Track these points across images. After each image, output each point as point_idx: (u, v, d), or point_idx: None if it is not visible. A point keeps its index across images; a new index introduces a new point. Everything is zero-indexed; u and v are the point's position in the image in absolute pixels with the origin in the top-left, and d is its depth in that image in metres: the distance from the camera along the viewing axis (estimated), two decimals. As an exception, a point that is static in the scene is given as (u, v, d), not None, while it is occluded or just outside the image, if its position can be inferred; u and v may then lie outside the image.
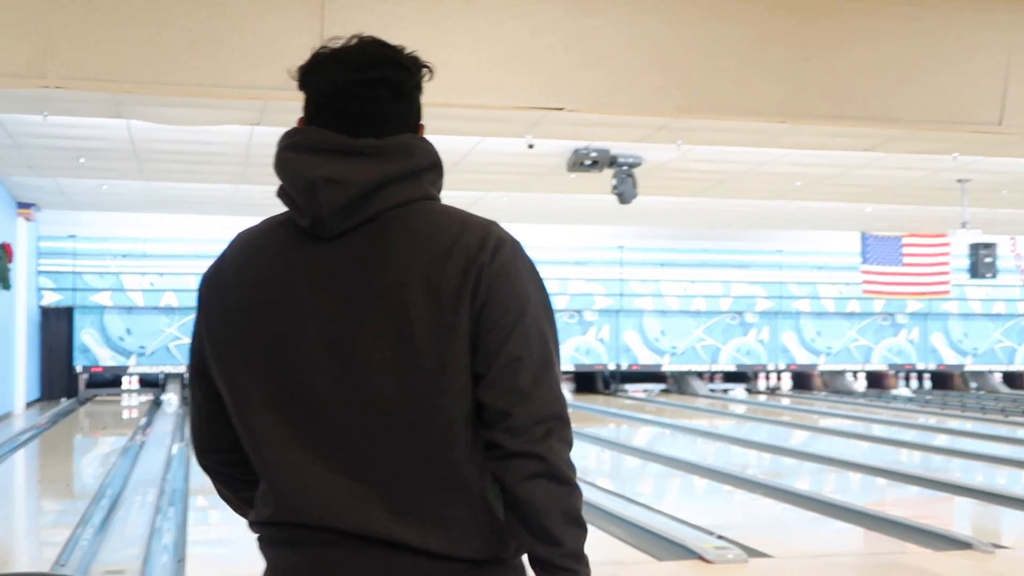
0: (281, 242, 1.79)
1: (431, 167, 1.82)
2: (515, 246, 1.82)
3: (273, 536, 1.79)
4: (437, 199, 1.83)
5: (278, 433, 1.75)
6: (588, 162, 12.27)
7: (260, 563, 1.86)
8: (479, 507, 1.75)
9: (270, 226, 1.83)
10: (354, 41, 1.83)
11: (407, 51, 1.85)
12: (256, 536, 1.84)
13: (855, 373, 23.96)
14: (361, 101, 1.79)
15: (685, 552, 6.64)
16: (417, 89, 1.86)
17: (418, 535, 1.69)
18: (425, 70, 1.87)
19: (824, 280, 23.21)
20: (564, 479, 1.72)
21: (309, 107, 1.84)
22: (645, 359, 22.78)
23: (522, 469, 1.69)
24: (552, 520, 1.70)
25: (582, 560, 1.74)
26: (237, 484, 1.96)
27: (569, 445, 1.76)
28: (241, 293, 1.80)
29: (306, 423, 1.73)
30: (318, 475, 1.71)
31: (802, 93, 5.77)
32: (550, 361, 1.76)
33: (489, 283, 1.73)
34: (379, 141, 1.77)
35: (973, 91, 5.98)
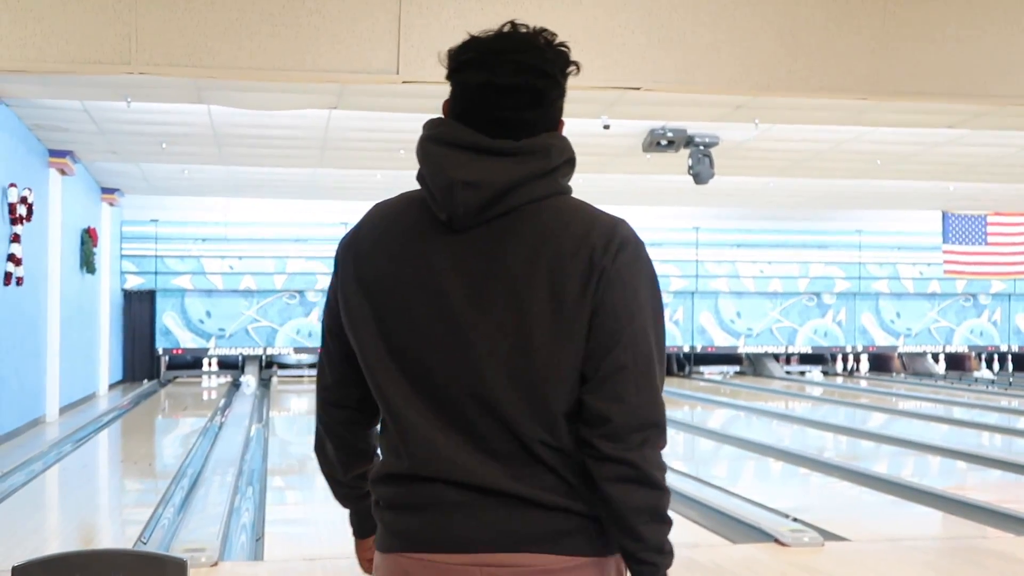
0: (416, 222, 1.86)
1: (565, 163, 1.88)
2: (638, 248, 1.85)
3: (397, 498, 1.87)
4: (569, 191, 1.89)
5: (408, 400, 1.84)
6: (664, 142, 12.20)
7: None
8: (578, 477, 1.83)
9: (407, 202, 1.91)
10: (507, 29, 1.87)
11: (558, 49, 1.87)
12: (374, 499, 1.92)
13: (935, 355, 23.58)
14: (504, 109, 1.84)
15: (760, 535, 6.61)
16: (561, 97, 1.91)
17: (531, 491, 1.79)
18: (572, 68, 1.90)
19: (904, 260, 22.87)
20: (655, 484, 1.82)
21: (455, 102, 1.89)
22: (720, 341, 22.64)
23: (616, 472, 1.78)
24: (638, 519, 1.80)
25: (663, 551, 1.84)
26: (347, 446, 2.04)
27: (662, 448, 1.84)
28: (376, 265, 1.87)
29: (430, 396, 1.83)
30: (445, 440, 1.81)
31: (886, 69, 5.67)
32: (652, 370, 1.82)
33: (605, 287, 1.79)
34: (517, 142, 1.82)
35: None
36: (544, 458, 1.80)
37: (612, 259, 1.79)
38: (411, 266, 1.84)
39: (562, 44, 1.88)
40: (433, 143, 1.85)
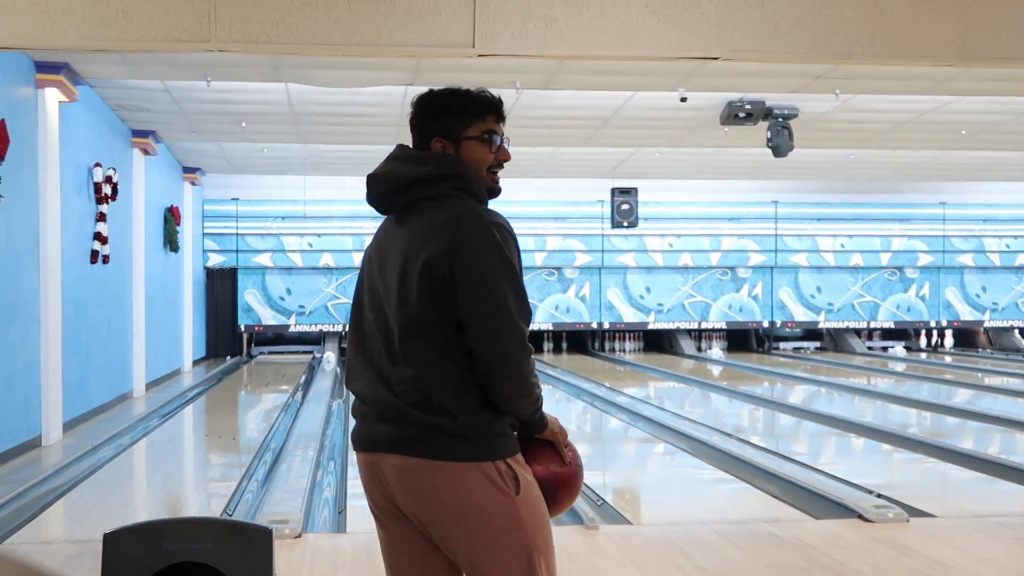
0: (383, 224, 2.80)
1: (453, 175, 2.65)
2: (476, 219, 2.57)
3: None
4: (457, 197, 2.65)
5: None
6: (742, 114, 12.05)
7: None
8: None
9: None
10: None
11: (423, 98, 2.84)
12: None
13: (1022, 330, 23.06)
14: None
15: (844, 511, 6.52)
16: (439, 118, 2.76)
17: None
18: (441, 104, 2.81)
19: (990, 233, 22.38)
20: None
21: None
22: (800, 316, 22.37)
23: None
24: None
25: None
26: None
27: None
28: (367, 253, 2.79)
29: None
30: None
31: (974, 33, 5.52)
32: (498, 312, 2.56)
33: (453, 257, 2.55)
34: (416, 151, 2.75)
35: None
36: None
37: (459, 235, 2.55)
38: (375, 249, 2.75)
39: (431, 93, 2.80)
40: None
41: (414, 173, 2.63)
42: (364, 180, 2.73)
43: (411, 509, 2.57)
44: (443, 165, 2.65)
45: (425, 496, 2.52)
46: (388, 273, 2.60)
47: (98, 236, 11.86)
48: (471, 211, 2.56)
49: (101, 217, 11.94)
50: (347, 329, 2.82)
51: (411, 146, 2.77)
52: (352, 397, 2.76)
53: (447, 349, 2.52)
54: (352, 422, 2.76)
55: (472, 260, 2.49)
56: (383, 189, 2.67)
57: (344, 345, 20.99)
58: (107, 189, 12.02)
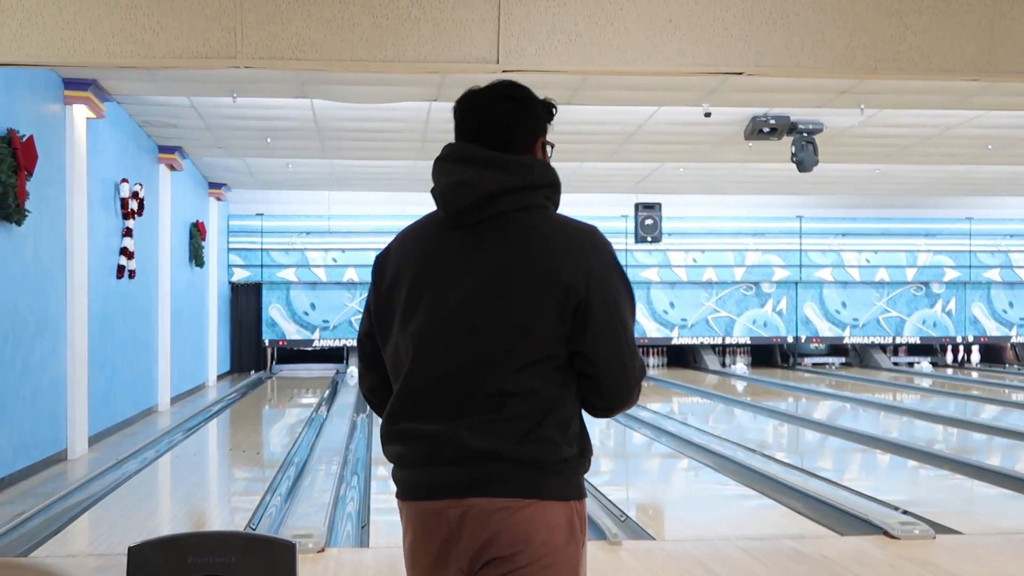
0: (435, 228, 2.37)
1: (548, 186, 2.36)
2: (602, 241, 2.37)
3: None
4: (551, 208, 2.37)
5: None
6: (767, 129, 12.03)
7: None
8: None
9: (426, 220, 2.42)
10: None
11: (524, 86, 2.44)
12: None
13: (1051, 346, 22.88)
14: (488, 112, 2.39)
15: (869, 527, 6.48)
16: (536, 122, 2.41)
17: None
18: (544, 107, 2.44)
19: (1016, 248, 22.23)
20: None
21: (455, 125, 2.43)
22: (825, 331, 22.27)
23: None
24: None
25: None
26: None
27: None
28: (400, 266, 2.38)
29: None
30: None
31: (999, 47, 5.49)
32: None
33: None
34: (505, 156, 2.32)
35: None
36: None
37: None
38: (426, 263, 2.35)
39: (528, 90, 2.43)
40: (444, 161, 2.36)
41: (512, 182, 2.29)
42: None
43: (485, 556, 2.27)
44: (544, 174, 2.36)
45: (510, 539, 2.24)
46: (472, 295, 2.27)
47: (124, 251, 11.94)
48: (590, 230, 2.33)
49: (127, 232, 12.02)
50: (374, 365, 2.49)
51: (467, 142, 2.39)
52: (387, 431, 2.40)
53: (561, 377, 2.29)
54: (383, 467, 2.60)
55: (609, 289, 2.27)
56: (474, 199, 2.28)
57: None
58: (133, 204, 12.11)
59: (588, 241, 2.29)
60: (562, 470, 2.27)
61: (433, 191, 2.36)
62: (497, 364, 2.23)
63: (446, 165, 2.34)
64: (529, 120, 2.37)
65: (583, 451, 2.32)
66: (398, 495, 2.38)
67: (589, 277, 2.24)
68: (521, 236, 2.27)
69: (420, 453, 2.29)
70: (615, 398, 2.33)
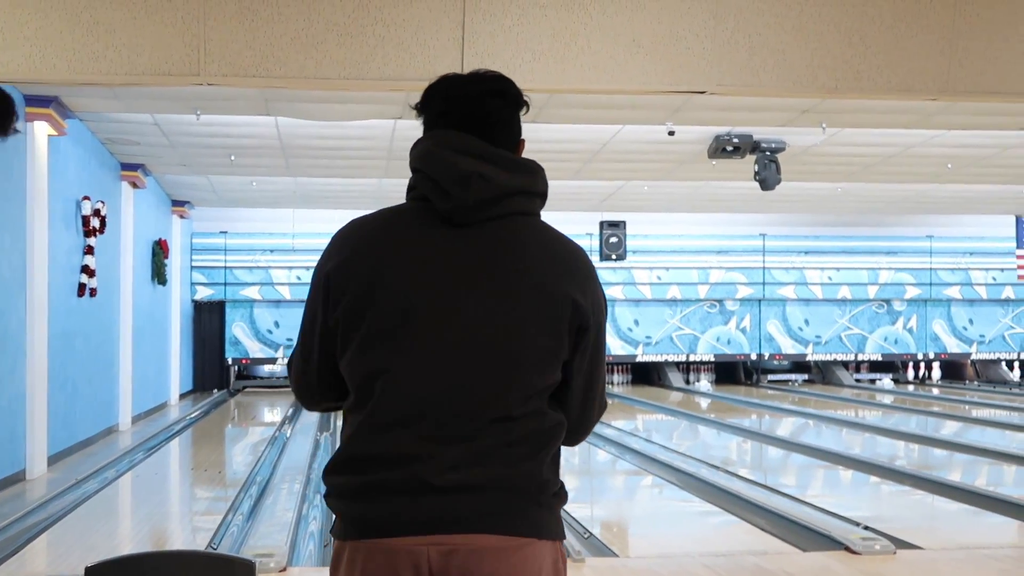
0: (416, 222, 2.10)
1: (543, 194, 2.16)
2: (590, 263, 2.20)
3: None
4: (538, 216, 2.18)
5: None
6: (730, 148, 12.11)
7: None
8: None
9: (396, 215, 2.15)
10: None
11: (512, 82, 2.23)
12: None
13: (1010, 362, 23.12)
14: (487, 106, 2.14)
15: (831, 543, 6.52)
16: (518, 119, 2.20)
17: None
18: (525, 105, 2.22)
19: (976, 266, 22.47)
20: None
21: (446, 116, 2.14)
22: (788, 349, 22.41)
23: None
24: None
25: None
26: None
27: None
28: (377, 266, 2.09)
29: None
30: None
31: (957, 68, 5.57)
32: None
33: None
34: (514, 156, 2.13)
35: None
36: None
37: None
38: (414, 265, 2.07)
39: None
40: (446, 149, 2.08)
41: (520, 184, 2.10)
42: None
43: None
44: (545, 181, 2.17)
45: None
46: (483, 305, 2.03)
47: (85, 269, 11.83)
48: (580, 249, 2.17)
49: (89, 250, 11.92)
50: (323, 394, 2.18)
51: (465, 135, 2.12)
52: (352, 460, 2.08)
53: (554, 403, 2.11)
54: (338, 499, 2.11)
55: (601, 315, 2.13)
56: (491, 196, 2.06)
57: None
58: (95, 222, 12.01)
59: (590, 265, 2.15)
60: (554, 505, 2.08)
61: (423, 179, 2.09)
62: (507, 386, 2.00)
63: (450, 155, 2.07)
64: (518, 117, 2.19)
65: (562, 484, 2.13)
66: (347, 534, 2.05)
67: (595, 305, 2.10)
68: (529, 244, 2.08)
69: (392, 481, 2.00)
70: (582, 427, 2.18)
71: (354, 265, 2.11)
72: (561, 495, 2.10)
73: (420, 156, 2.11)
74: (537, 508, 2.02)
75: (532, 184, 2.12)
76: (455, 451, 1.98)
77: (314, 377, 2.15)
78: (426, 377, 2.01)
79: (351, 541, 2.02)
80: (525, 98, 2.19)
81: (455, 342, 2.01)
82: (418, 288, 2.03)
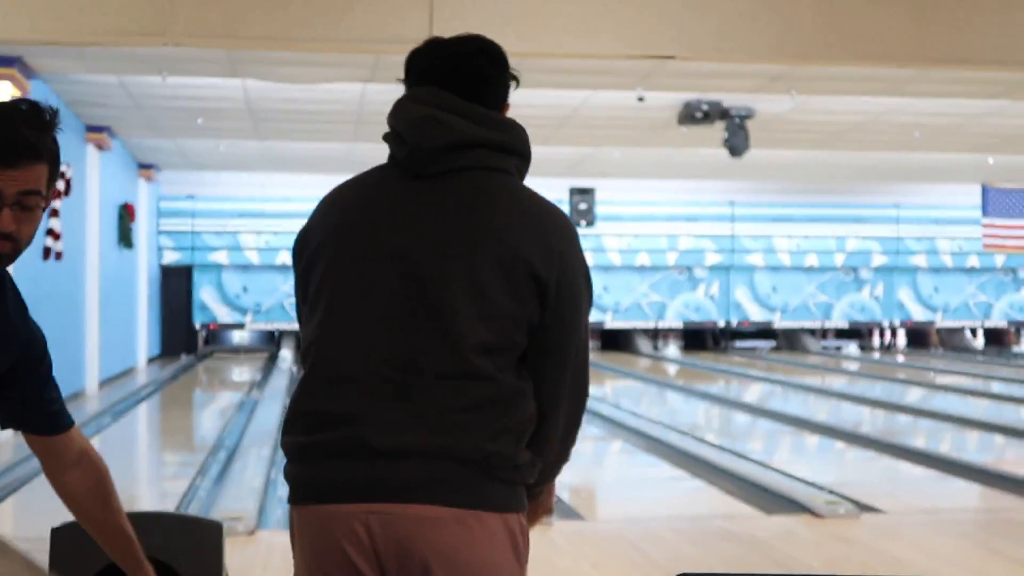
0: (379, 178, 2.05)
1: (521, 156, 2.05)
2: (571, 225, 2.11)
3: None
4: (516, 177, 2.06)
5: None
6: (699, 115, 12.11)
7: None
8: None
9: (362, 175, 2.10)
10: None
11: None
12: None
13: (974, 330, 23.38)
14: (464, 61, 2.05)
15: (796, 507, 6.59)
16: (506, 84, 2.09)
17: None
18: (514, 75, 2.12)
19: (942, 235, 22.65)
20: None
21: (424, 73, 2.07)
22: (756, 316, 22.53)
23: None
24: None
25: None
26: None
27: None
28: (334, 221, 2.03)
29: None
30: None
31: (927, 36, 5.58)
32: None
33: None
34: (487, 111, 2.02)
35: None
36: None
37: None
38: (376, 210, 2.00)
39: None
40: (411, 100, 2.03)
41: (489, 136, 1.99)
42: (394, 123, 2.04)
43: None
44: (522, 139, 2.06)
45: (441, 557, 1.85)
46: (435, 260, 1.92)
47: (51, 232, 11.72)
48: (559, 211, 2.06)
49: (54, 213, 11.79)
50: (307, 327, 2.03)
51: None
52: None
53: (519, 370, 1.96)
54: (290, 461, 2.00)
55: (575, 279, 2.00)
56: (447, 141, 1.96)
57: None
58: (60, 184, 11.89)
59: (565, 222, 2.04)
60: (511, 478, 1.92)
61: (389, 133, 2.03)
62: (456, 342, 1.87)
63: (413, 105, 2.00)
64: (504, 79, 2.07)
65: (530, 458, 1.96)
66: (292, 499, 1.96)
67: (562, 261, 1.96)
68: (496, 199, 1.97)
69: (332, 442, 1.88)
70: (561, 398, 2.02)
71: (315, 226, 2.06)
72: (524, 469, 1.94)
73: (391, 111, 2.05)
74: (489, 480, 1.87)
75: (501, 139, 2.00)
76: (397, 410, 1.86)
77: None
78: (365, 329, 1.91)
79: (295, 506, 1.95)
80: (514, 72, 2.09)
81: (396, 291, 1.91)
82: (368, 238, 1.96)
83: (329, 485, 1.88)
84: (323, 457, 1.89)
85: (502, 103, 2.07)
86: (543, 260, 1.94)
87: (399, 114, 2.02)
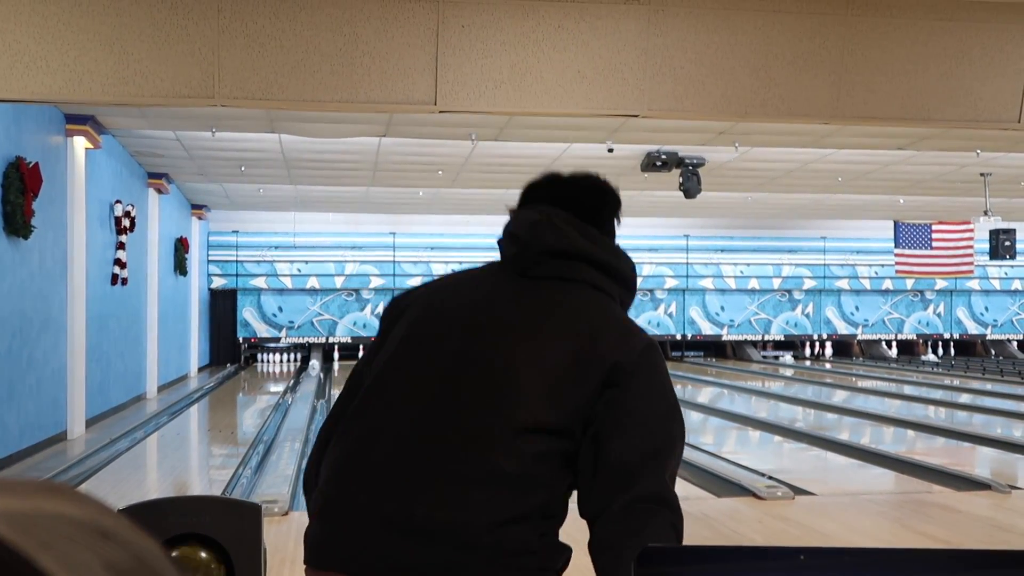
0: (485, 270, 1.75)
1: (622, 279, 1.71)
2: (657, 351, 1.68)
3: None
4: (614, 299, 1.69)
5: None
6: (659, 163, 12.14)
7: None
8: None
9: (476, 267, 1.79)
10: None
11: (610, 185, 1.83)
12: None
13: (889, 342, 23.40)
14: (574, 191, 1.76)
15: (740, 490, 6.58)
16: (612, 219, 1.79)
17: None
18: (618, 211, 1.80)
19: (862, 262, 22.71)
20: None
21: (531, 200, 1.76)
22: (707, 330, 22.54)
23: None
24: None
25: None
26: None
27: None
28: (438, 292, 1.73)
29: None
30: None
31: (845, 96, 5.63)
32: None
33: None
34: (598, 233, 1.70)
35: (995, 93, 5.77)
36: None
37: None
38: (475, 300, 1.67)
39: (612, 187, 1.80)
40: (529, 209, 1.72)
41: (597, 254, 1.67)
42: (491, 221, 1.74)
43: None
44: (631, 269, 1.73)
45: None
46: (510, 343, 1.55)
47: (118, 262, 11.70)
48: (654, 343, 1.64)
49: (121, 246, 11.78)
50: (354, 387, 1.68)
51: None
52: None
53: (568, 462, 1.54)
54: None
55: (638, 370, 1.55)
56: (553, 247, 1.64)
57: (336, 356, 20.84)
58: (126, 222, 11.88)
59: (647, 343, 1.61)
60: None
61: (504, 234, 1.70)
62: (510, 424, 1.49)
63: (530, 212, 1.70)
64: (615, 214, 1.77)
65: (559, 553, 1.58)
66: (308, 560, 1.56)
67: (637, 363, 1.56)
68: (580, 309, 1.61)
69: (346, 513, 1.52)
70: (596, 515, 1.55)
71: (411, 293, 1.75)
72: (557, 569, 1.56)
73: (508, 221, 1.73)
74: (514, 572, 1.49)
75: (610, 260, 1.67)
76: (427, 493, 1.47)
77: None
78: (404, 405, 1.55)
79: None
80: (620, 215, 1.78)
81: (435, 372, 1.55)
82: (449, 312, 1.63)
83: (313, 549, 1.58)
84: (344, 529, 1.55)
85: (611, 235, 1.75)
86: (616, 354, 1.55)
87: (516, 219, 1.70)
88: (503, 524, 1.47)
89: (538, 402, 1.50)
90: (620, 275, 1.69)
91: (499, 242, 1.71)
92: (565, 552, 1.58)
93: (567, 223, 1.66)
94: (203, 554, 1.90)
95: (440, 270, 20.71)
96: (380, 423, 1.54)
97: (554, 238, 1.64)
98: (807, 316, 22.93)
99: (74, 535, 0.35)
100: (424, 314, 1.65)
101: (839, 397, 14.68)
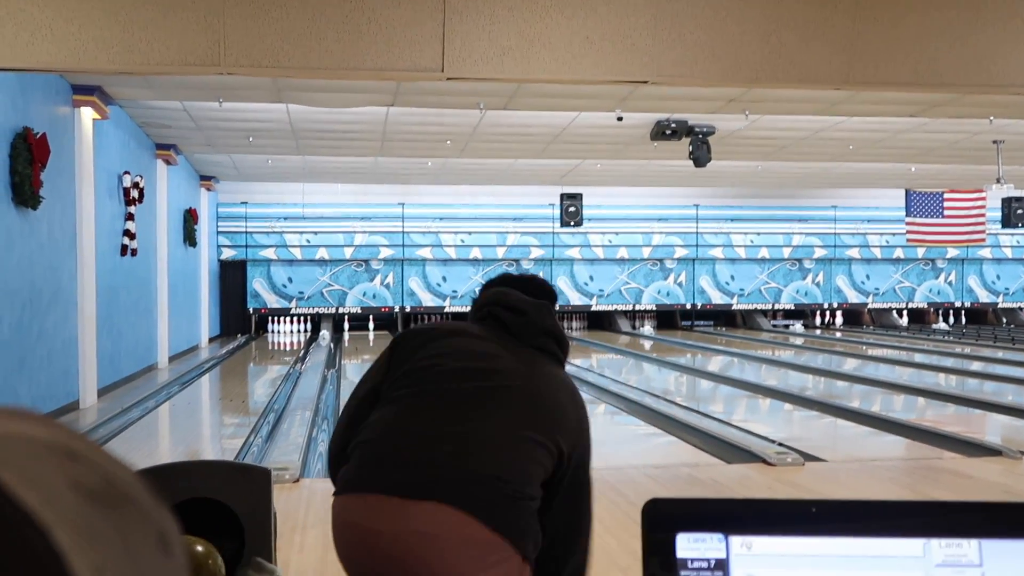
0: (492, 327, 2.25)
1: (566, 353, 2.28)
2: None
3: None
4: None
5: None
6: (669, 132, 12.08)
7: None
8: None
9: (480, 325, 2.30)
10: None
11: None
12: None
13: (899, 310, 23.35)
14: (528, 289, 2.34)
15: (751, 456, 6.59)
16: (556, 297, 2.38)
17: None
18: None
19: (873, 231, 22.62)
20: None
21: (494, 284, 2.36)
22: (717, 300, 22.52)
23: None
24: None
25: None
26: None
27: None
28: (455, 332, 2.24)
29: None
30: None
31: (857, 62, 5.56)
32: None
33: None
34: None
35: (1008, 57, 5.70)
36: None
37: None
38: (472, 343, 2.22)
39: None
40: (514, 291, 2.28)
41: (558, 332, 2.26)
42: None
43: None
44: (566, 346, 2.29)
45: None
46: (517, 369, 2.13)
47: (127, 233, 11.71)
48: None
49: (129, 217, 11.79)
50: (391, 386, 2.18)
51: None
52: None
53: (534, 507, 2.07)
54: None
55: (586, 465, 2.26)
56: (547, 326, 2.23)
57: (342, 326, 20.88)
58: (134, 193, 11.88)
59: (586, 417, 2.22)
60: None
61: (496, 307, 2.24)
62: (510, 422, 2.05)
63: (519, 294, 2.28)
64: (555, 301, 2.35)
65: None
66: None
67: (584, 444, 2.20)
68: (559, 389, 2.17)
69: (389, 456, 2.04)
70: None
71: (434, 327, 2.27)
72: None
73: (493, 296, 2.27)
74: (525, 518, 2.02)
75: (563, 336, 2.26)
76: (447, 448, 2.00)
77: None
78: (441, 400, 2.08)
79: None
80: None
81: (461, 374, 2.10)
82: (462, 349, 2.15)
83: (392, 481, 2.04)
84: (382, 464, 2.08)
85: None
86: (575, 438, 2.15)
87: (508, 298, 2.24)
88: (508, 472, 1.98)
89: (527, 414, 2.08)
90: (565, 347, 2.26)
91: (489, 308, 2.23)
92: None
93: (546, 310, 2.24)
94: (199, 548, 1.90)
95: (449, 240, 20.69)
96: (408, 424, 2.04)
97: (550, 320, 2.23)
98: (817, 285, 22.89)
99: (39, 454, 0.34)
100: (446, 351, 2.14)
101: (850, 365, 14.65)
